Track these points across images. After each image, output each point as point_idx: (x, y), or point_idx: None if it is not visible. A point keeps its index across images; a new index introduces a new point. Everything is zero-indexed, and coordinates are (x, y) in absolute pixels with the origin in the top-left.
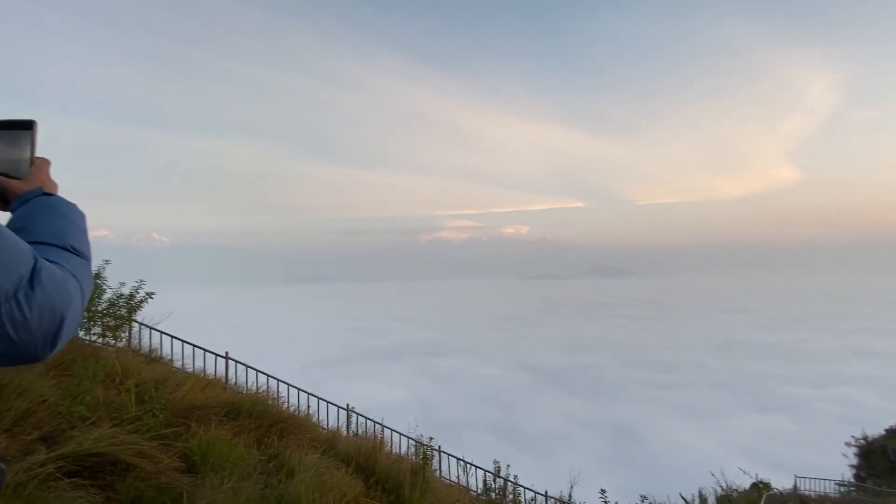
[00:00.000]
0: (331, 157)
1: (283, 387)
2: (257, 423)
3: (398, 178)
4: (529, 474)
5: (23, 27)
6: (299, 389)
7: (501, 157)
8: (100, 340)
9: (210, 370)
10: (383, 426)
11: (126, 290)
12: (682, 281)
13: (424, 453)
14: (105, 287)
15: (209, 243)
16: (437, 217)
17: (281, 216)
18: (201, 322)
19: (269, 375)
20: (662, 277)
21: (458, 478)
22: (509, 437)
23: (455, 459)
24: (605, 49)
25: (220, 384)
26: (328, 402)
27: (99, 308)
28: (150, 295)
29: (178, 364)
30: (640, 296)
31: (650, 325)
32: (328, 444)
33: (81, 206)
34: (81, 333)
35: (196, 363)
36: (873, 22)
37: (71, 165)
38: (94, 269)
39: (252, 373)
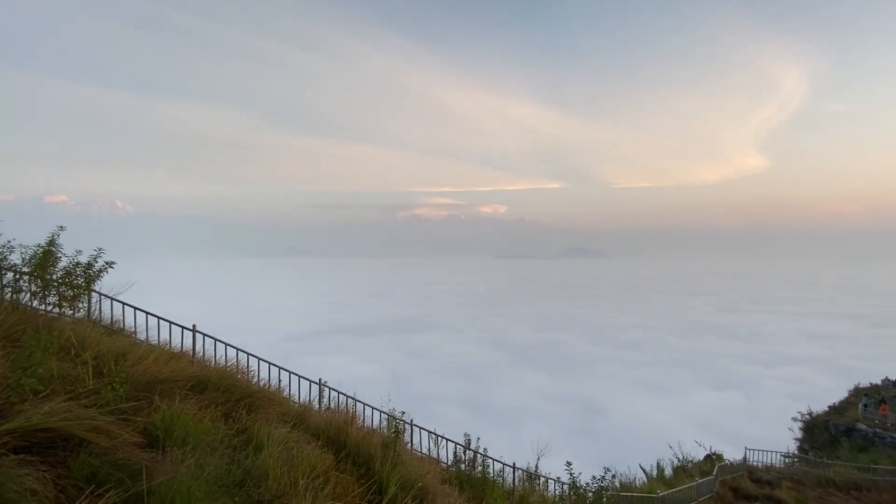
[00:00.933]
0: (307, 127)
1: (253, 361)
2: (225, 398)
3: (376, 151)
4: (498, 446)
5: None
6: (270, 363)
7: (481, 135)
8: (55, 310)
9: (176, 343)
10: (356, 400)
11: (84, 259)
12: (653, 263)
13: (396, 427)
14: (60, 255)
15: (177, 213)
16: (414, 193)
17: (253, 187)
18: (169, 294)
19: (238, 349)
20: (634, 260)
21: (429, 450)
22: (480, 411)
23: (426, 432)
24: (588, 33)
25: (186, 357)
26: (300, 377)
27: (54, 277)
28: (109, 264)
29: (141, 336)
30: (611, 277)
31: (619, 306)
32: (299, 418)
33: (38, 169)
34: (35, 303)
35: (161, 336)
36: (844, 19)
37: (29, 125)
38: (48, 235)
39: (221, 346)
